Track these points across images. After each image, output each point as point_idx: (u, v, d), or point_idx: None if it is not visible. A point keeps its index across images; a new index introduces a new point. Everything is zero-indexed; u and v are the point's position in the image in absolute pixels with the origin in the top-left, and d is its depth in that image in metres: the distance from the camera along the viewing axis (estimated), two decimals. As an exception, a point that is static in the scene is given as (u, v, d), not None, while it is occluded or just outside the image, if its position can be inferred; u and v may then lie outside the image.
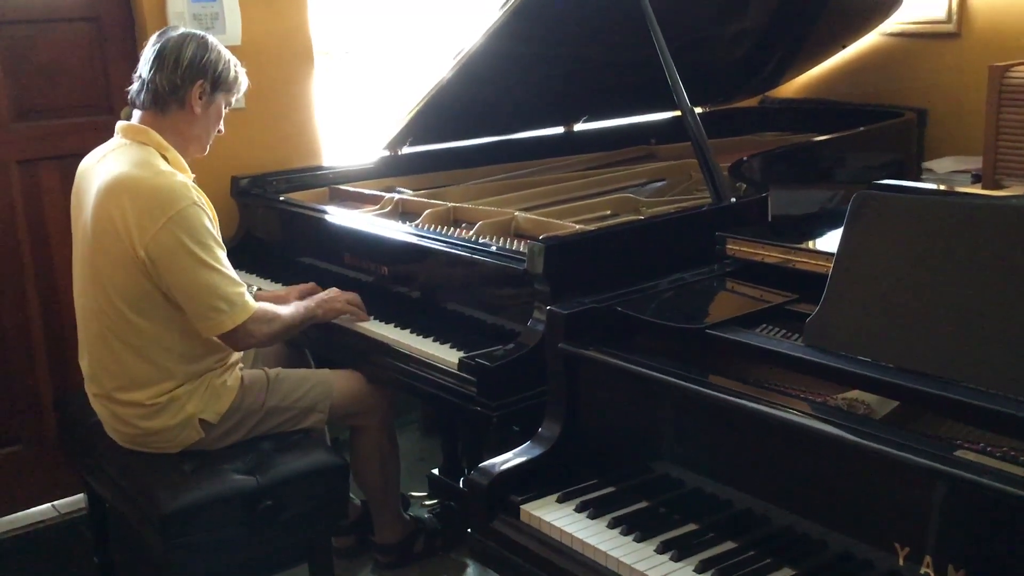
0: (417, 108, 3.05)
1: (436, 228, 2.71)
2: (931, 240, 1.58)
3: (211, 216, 2.29)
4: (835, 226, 1.81)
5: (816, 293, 1.69)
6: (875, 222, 1.65)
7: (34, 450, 3.17)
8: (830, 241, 1.88)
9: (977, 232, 1.53)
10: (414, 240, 2.59)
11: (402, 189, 3.20)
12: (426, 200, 2.96)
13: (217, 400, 2.34)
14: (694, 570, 1.54)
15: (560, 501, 1.78)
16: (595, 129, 3.74)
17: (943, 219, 1.58)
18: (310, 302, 2.51)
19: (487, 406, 2.15)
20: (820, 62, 3.99)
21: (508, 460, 1.85)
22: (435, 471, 3.14)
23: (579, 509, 1.75)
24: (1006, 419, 1.39)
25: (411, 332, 2.47)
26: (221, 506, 2.20)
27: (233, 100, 2.44)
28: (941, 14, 3.62)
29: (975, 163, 3.18)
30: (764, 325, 1.80)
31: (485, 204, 2.91)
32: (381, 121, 3.53)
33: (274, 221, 3.15)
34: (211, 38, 2.36)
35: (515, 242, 2.56)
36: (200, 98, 2.32)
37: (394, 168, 3.34)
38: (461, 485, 2.99)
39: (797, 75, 4.04)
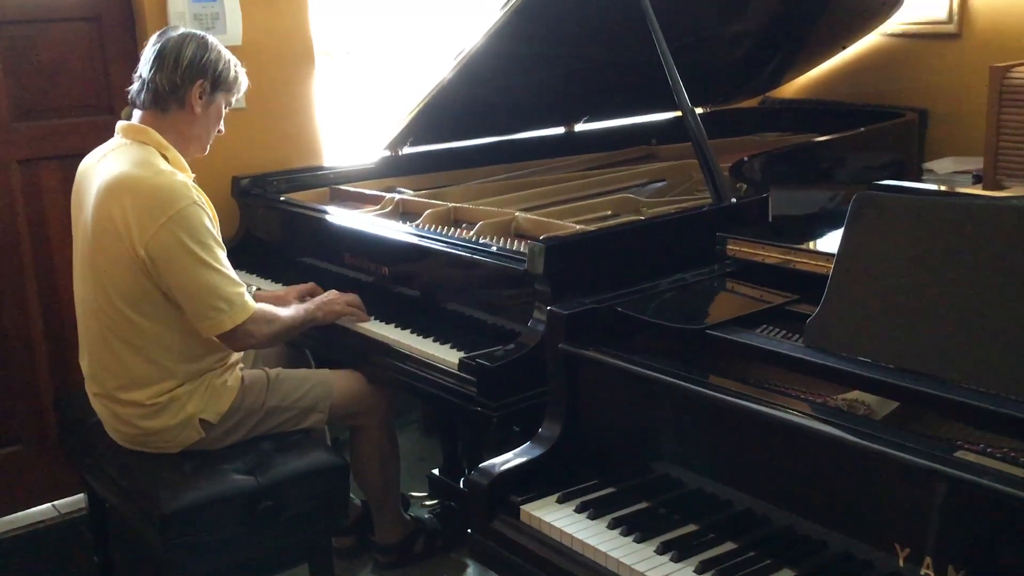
0: (418, 108, 3.05)
1: (436, 228, 2.71)
2: (931, 241, 1.58)
3: (211, 216, 2.29)
4: (835, 227, 1.81)
5: (816, 294, 1.69)
6: (875, 223, 1.65)
7: (34, 450, 3.17)
8: (830, 242, 1.88)
9: (978, 233, 1.53)
10: (415, 240, 2.59)
11: (403, 189, 3.20)
12: (427, 200, 2.96)
13: (217, 400, 2.34)
14: (694, 571, 1.54)
15: (560, 501, 1.78)
16: (596, 129, 3.74)
17: (943, 220, 1.58)
18: (310, 304, 2.51)
19: (487, 406, 2.15)
20: (821, 62, 3.99)
21: (508, 460, 1.85)
22: (435, 471, 3.14)
23: (579, 509, 1.75)
24: (1006, 420, 1.39)
25: (411, 332, 2.47)
26: (221, 506, 2.20)
27: (233, 100, 2.45)
28: (942, 15, 3.62)
29: (976, 164, 3.18)
30: (764, 326, 1.80)
31: (486, 204, 2.91)
32: (382, 121, 3.53)
33: (275, 221, 3.15)
34: (211, 38, 2.36)
35: (515, 242, 2.56)
36: (200, 98, 2.33)
37: (395, 168, 3.34)
38: (461, 485, 2.99)
39: (798, 75, 4.04)
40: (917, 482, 1.35)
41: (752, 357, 1.72)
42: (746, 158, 2.97)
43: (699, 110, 2.96)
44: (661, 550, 1.60)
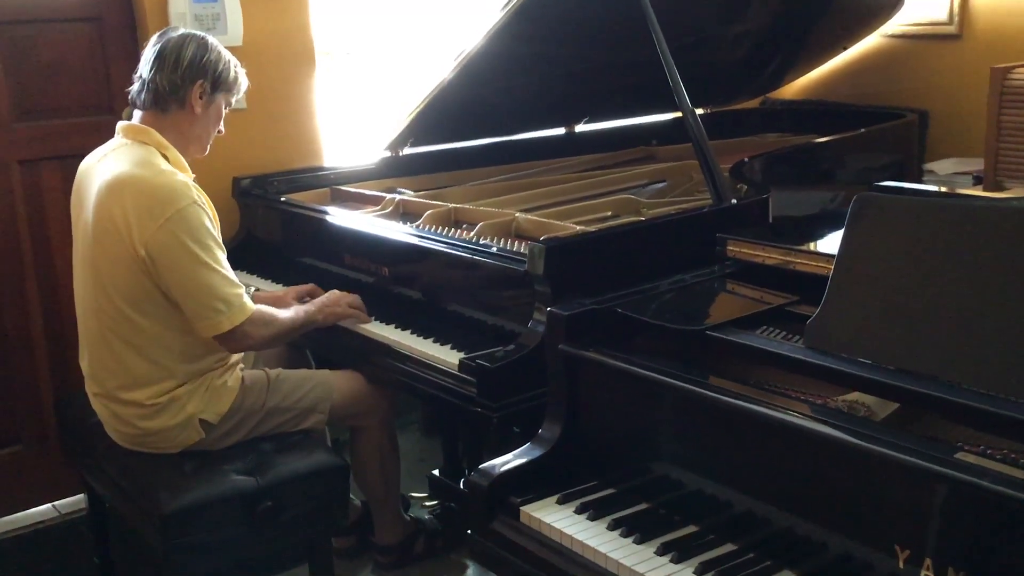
0: (418, 109, 3.06)
1: (437, 229, 2.71)
2: (932, 242, 1.58)
3: (211, 216, 2.29)
4: (836, 228, 1.81)
5: (817, 295, 1.69)
6: (876, 224, 1.65)
7: (34, 450, 3.17)
8: (831, 243, 1.88)
9: (978, 234, 1.53)
10: (415, 241, 2.59)
11: (403, 190, 3.20)
12: (427, 201, 2.96)
13: (217, 400, 2.34)
14: (694, 572, 1.54)
15: (560, 503, 1.78)
16: (596, 130, 3.74)
17: (944, 221, 1.58)
18: (311, 306, 2.50)
19: (487, 407, 2.15)
20: (821, 63, 3.99)
21: (508, 461, 1.85)
22: (435, 472, 3.14)
23: (579, 511, 1.75)
24: (1007, 421, 1.39)
25: (412, 333, 2.47)
26: (221, 506, 2.20)
27: (233, 100, 2.45)
28: (942, 15, 3.62)
29: (976, 165, 3.18)
30: (764, 327, 1.80)
31: (486, 205, 2.91)
32: (382, 122, 3.53)
33: (275, 222, 3.15)
34: (211, 39, 2.37)
35: (516, 243, 2.56)
36: (200, 98, 2.33)
37: (395, 169, 3.34)
38: (461, 486, 2.99)
39: (798, 76, 4.04)
40: (917, 484, 1.35)
41: (752, 358, 1.72)
42: (746, 159, 2.97)
43: (699, 111, 2.96)
44: (661, 551, 1.60)
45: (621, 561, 1.59)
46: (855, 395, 1.60)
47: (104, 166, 2.30)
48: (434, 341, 2.40)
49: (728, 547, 1.60)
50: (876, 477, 1.41)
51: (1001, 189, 2.95)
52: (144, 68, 2.32)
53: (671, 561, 1.57)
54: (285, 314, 2.42)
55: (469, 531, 1.87)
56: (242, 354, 2.47)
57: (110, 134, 2.40)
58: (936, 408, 1.50)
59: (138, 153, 2.28)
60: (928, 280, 1.56)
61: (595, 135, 3.73)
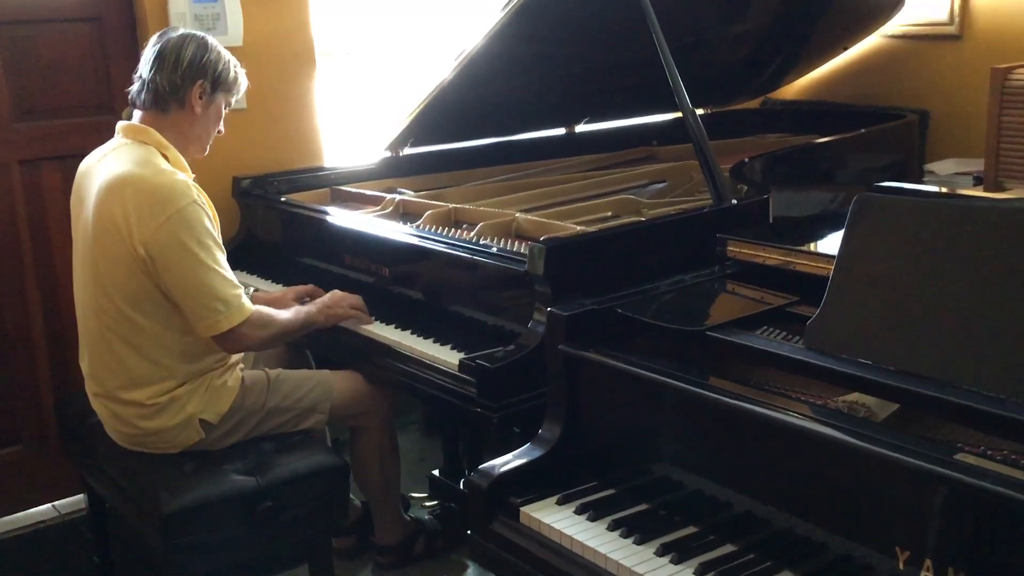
0: (418, 109, 3.05)
1: (437, 229, 2.70)
2: (932, 242, 1.58)
3: (211, 216, 2.29)
4: (836, 228, 1.81)
5: (817, 295, 1.69)
6: (876, 224, 1.65)
7: (34, 450, 3.17)
8: (831, 243, 1.87)
9: (978, 234, 1.53)
10: (415, 241, 2.59)
11: (403, 190, 3.20)
12: (427, 201, 2.96)
13: (218, 400, 2.34)
14: (694, 572, 1.54)
15: (560, 503, 1.78)
16: (596, 130, 3.74)
17: (944, 221, 1.58)
18: (311, 307, 2.50)
19: (487, 407, 2.15)
20: (822, 64, 3.99)
21: (508, 462, 1.85)
22: (436, 472, 3.14)
23: (579, 511, 1.75)
24: (1007, 422, 1.39)
25: (412, 333, 2.47)
26: (221, 506, 2.20)
27: (233, 100, 2.45)
28: (943, 16, 3.62)
29: (977, 165, 3.18)
30: (765, 327, 1.80)
31: (486, 205, 2.91)
32: (382, 122, 3.53)
33: (275, 222, 3.15)
34: (211, 39, 2.37)
35: (516, 243, 2.56)
36: (200, 98, 2.33)
37: (395, 169, 3.34)
38: (461, 486, 2.99)
39: (799, 77, 4.04)
40: (917, 485, 1.35)
41: (752, 359, 1.72)
42: (747, 159, 2.97)
43: (700, 111, 2.96)
44: (661, 552, 1.60)
45: (621, 562, 1.59)
46: (855, 396, 1.60)
47: (104, 166, 2.30)
48: (434, 341, 2.40)
49: (728, 548, 1.60)
50: (876, 478, 1.41)
51: (1001, 189, 2.95)
52: (144, 68, 2.32)
53: (671, 562, 1.57)
54: (284, 315, 2.42)
55: (469, 531, 1.87)
56: (242, 354, 2.47)
57: (110, 134, 2.40)
58: (936, 409, 1.50)
59: (138, 153, 2.28)
60: (928, 281, 1.56)
61: (595, 135, 3.73)
